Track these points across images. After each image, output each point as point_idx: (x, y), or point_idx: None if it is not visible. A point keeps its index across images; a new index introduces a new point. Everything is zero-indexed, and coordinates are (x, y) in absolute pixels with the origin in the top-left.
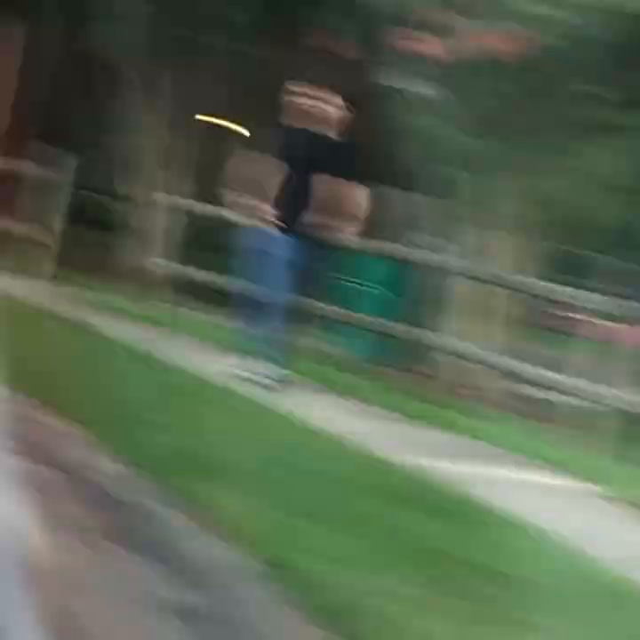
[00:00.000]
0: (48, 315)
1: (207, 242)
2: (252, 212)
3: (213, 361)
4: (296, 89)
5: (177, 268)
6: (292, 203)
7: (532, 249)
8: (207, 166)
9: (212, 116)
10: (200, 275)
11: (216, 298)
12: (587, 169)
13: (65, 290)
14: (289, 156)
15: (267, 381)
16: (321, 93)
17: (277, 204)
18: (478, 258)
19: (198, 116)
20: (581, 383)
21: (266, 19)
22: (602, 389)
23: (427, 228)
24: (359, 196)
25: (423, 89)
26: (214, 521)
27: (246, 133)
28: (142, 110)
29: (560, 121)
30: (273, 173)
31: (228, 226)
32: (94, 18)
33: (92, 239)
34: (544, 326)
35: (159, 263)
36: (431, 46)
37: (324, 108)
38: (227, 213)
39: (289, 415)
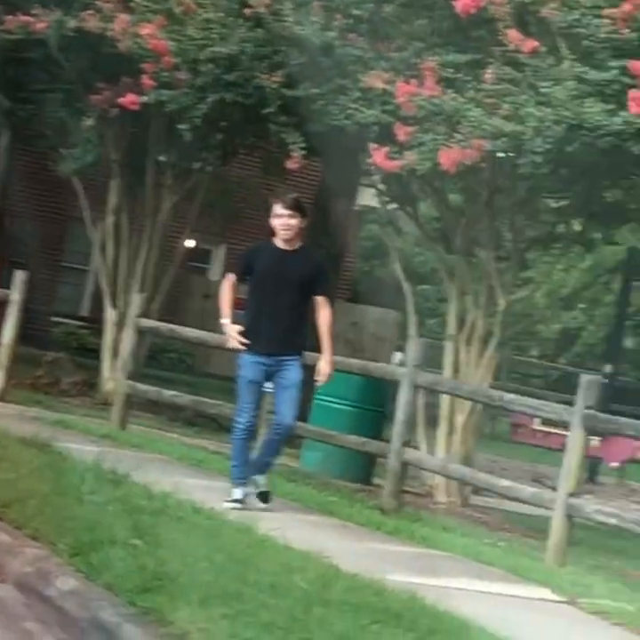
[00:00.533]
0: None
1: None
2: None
3: (180, 478)
4: (276, 208)
5: (142, 387)
6: (282, 325)
7: (489, 359)
8: (174, 285)
9: (178, 236)
10: (168, 395)
11: (186, 417)
12: (542, 280)
13: (18, 408)
14: (275, 276)
15: (245, 499)
16: (292, 211)
17: (269, 327)
18: (435, 369)
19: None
20: (529, 489)
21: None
22: (547, 495)
23: (388, 340)
24: (330, 314)
25: (380, 203)
26: (174, 636)
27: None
28: (99, 229)
29: (517, 233)
30: (260, 295)
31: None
32: (51, 138)
33: (51, 358)
34: (500, 435)
35: (124, 382)
36: (386, 160)
37: (297, 225)
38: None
39: (259, 532)
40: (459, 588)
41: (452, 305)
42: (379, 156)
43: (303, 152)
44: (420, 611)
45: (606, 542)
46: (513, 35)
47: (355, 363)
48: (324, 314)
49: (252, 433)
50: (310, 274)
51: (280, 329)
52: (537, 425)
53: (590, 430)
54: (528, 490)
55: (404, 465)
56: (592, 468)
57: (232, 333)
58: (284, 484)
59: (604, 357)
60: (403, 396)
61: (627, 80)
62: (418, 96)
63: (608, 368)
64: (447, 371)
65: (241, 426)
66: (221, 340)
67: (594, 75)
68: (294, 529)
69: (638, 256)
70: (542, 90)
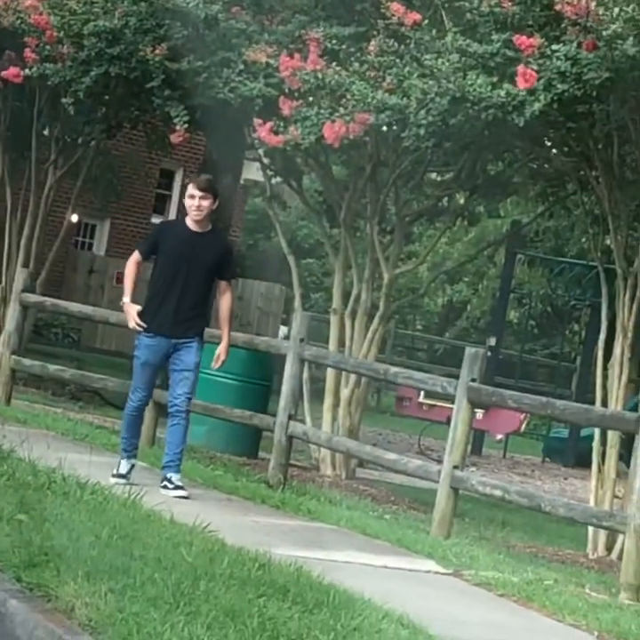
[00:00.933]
0: None
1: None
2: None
3: (65, 454)
4: (189, 189)
5: (27, 362)
6: (185, 307)
7: (373, 332)
8: (59, 260)
9: (63, 211)
10: (53, 369)
11: (71, 392)
12: (427, 253)
13: None
14: (182, 257)
15: (129, 475)
16: (204, 193)
17: (171, 309)
18: (321, 343)
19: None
20: (415, 461)
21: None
22: (433, 467)
23: (274, 314)
24: (232, 300)
25: (264, 177)
26: (60, 611)
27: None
28: None
29: (401, 206)
30: (164, 274)
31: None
32: None
33: None
34: (385, 409)
35: (8, 358)
36: (270, 134)
37: (208, 206)
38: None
39: (145, 507)
40: (345, 561)
41: (336, 279)
42: (263, 130)
43: (186, 126)
44: (305, 584)
45: (491, 514)
46: (396, 7)
47: (240, 336)
48: (226, 298)
49: (143, 410)
50: (218, 257)
51: (182, 311)
52: (422, 398)
53: (474, 403)
54: (413, 462)
55: (290, 438)
56: (476, 441)
57: (132, 313)
58: None
59: (488, 330)
60: (288, 370)
61: (510, 53)
62: (302, 70)
63: (492, 341)
64: (332, 344)
65: (134, 404)
66: (105, 315)
67: (477, 48)
68: (179, 503)
69: (521, 229)
70: (426, 62)
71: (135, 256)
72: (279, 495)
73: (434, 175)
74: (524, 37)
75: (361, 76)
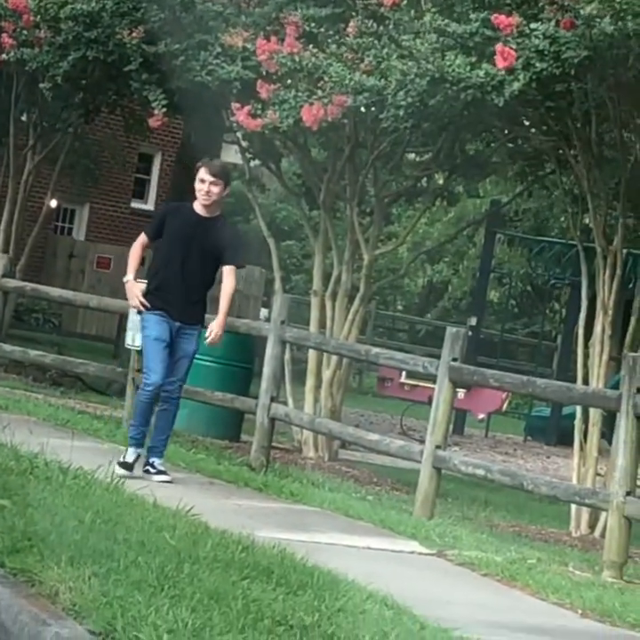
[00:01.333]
0: None
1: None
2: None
3: (47, 439)
4: (200, 173)
5: (8, 347)
6: (188, 293)
7: (354, 313)
8: (39, 245)
9: (42, 196)
10: (34, 354)
11: (52, 377)
12: (409, 235)
13: None
14: (188, 241)
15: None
16: (216, 178)
17: (174, 293)
18: (301, 325)
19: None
20: (397, 442)
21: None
22: (415, 447)
23: (254, 297)
24: (234, 284)
25: (243, 160)
26: (44, 595)
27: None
28: None
29: (381, 187)
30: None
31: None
32: None
33: None
34: (367, 390)
35: None
36: (248, 118)
37: (218, 192)
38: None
39: (127, 491)
40: (328, 542)
41: (316, 260)
42: (241, 114)
43: (164, 109)
44: (289, 566)
45: (473, 493)
46: None
47: None
48: (227, 282)
49: (157, 395)
50: (223, 243)
51: (185, 296)
52: (403, 378)
53: (456, 382)
54: (396, 443)
55: (272, 420)
56: (458, 421)
57: (135, 291)
58: None
59: (468, 310)
60: (269, 352)
61: (489, 33)
62: (278, 53)
63: (473, 321)
64: (313, 326)
65: (149, 387)
66: (86, 300)
67: (456, 28)
68: (162, 487)
69: (501, 208)
70: (404, 43)
71: (141, 238)
72: (262, 478)
73: (412, 156)
74: (502, 16)
75: (338, 58)
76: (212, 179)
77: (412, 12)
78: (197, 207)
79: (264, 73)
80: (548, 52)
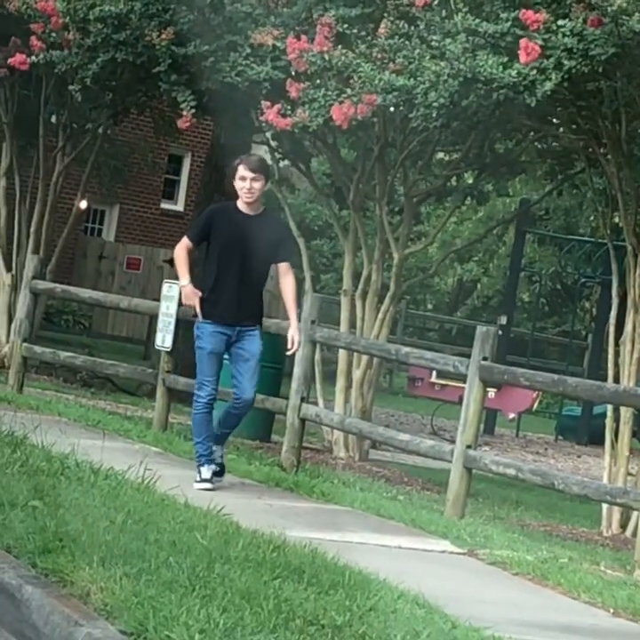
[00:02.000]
0: None
1: (71, 324)
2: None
3: (78, 440)
4: (239, 170)
5: (39, 349)
6: (244, 294)
7: (384, 313)
8: (69, 247)
9: (71, 197)
10: (64, 356)
11: (82, 379)
12: (439, 234)
13: None
14: (237, 242)
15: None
16: (256, 174)
17: (230, 296)
18: (331, 325)
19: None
20: (428, 442)
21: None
22: (446, 447)
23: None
24: (294, 281)
25: (272, 160)
26: (76, 596)
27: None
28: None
29: (410, 187)
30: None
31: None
32: None
33: None
34: (397, 390)
35: (20, 345)
36: (278, 117)
37: (260, 188)
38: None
39: (159, 491)
40: (359, 542)
41: (346, 260)
42: (271, 113)
43: (193, 110)
44: (320, 565)
45: (504, 493)
46: None
47: None
48: (287, 281)
49: (213, 406)
50: (274, 240)
51: (242, 298)
52: (434, 378)
53: (486, 382)
54: (426, 443)
55: (303, 421)
56: (489, 420)
57: (194, 298)
58: (182, 443)
59: (499, 309)
60: (299, 352)
61: (519, 32)
62: (308, 51)
63: (503, 319)
64: (343, 326)
65: (202, 400)
66: (116, 301)
67: (487, 27)
68: (193, 488)
69: (530, 207)
70: (435, 43)
71: (185, 242)
72: (293, 478)
73: (442, 155)
74: (530, 12)
75: (368, 58)
76: (252, 174)
77: (443, 12)
78: (241, 206)
79: (293, 73)
80: (577, 50)
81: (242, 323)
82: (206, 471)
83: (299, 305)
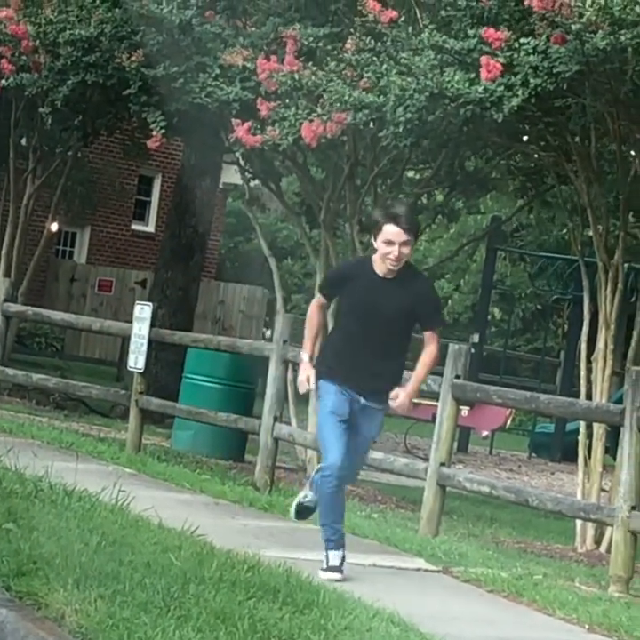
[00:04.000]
0: None
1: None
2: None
3: (51, 462)
4: (387, 229)
5: (11, 372)
6: (375, 368)
7: None
8: (40, 269)
9: (42, 220)
10: (37, 378)
11: (55, 401)
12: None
13: None
14: (372, 310)
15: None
16: (409, 237)
17: (358, 367)
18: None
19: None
20: (401, 460)
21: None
22: (419, 465)
23: (256, 317)
24: (436, 351)
25: (243, 180)
26: (51, 618)
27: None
28: None
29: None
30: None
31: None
32: None
33: None
34: None
35: None
36: (248, 134)
37: (409, 254)
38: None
39: (133, 513)
40: None
41: (318, 279)
42: (241, 130)
43: (163, 131)
44: (295, 585)
45: (479, 510)
46: (372, 4)
47: (223, 340)
48: (427, 350)
49: (344, 480)
50: (416, 305)
51: (371, 372)
52: None
53: (459, 399)
54: (400, 461)
55: (276, 440)
56: (462, 438)
57: (308, 377)
58: (155, 464)
59: (471, 327)
60: (272, 372)
61: (486, 48)
62: (278, 72)
63: (475, 337)
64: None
65: (328, 472)
66: (88, 323)
67: (454, 44)
68: (167, 508)
69: (502, 224)
70: (403, 60)
71: (318, 300)
72: (267, 497)
73: (412, 173)
74: (491, 30)
75: (338, 75)
76: (405, 238)
77: (410, 28)
78: (378, 267)
79: (263, 93)
80: (542, 68)
81: (368, 397)
82: (335, 557)
83: (270, 325)
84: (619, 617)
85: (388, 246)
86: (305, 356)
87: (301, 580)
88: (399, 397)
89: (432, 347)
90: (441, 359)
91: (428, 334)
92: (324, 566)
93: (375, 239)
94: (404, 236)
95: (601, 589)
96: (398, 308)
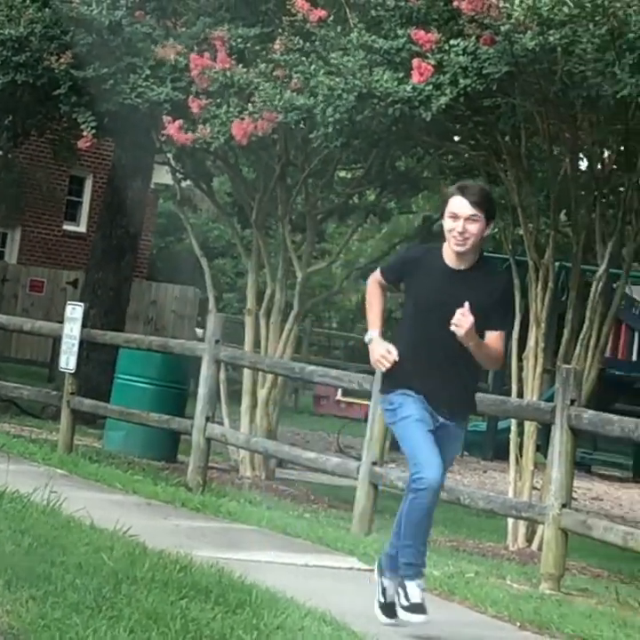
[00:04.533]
0: None
1: None
2: None
3: None
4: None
5: None
6: (448, 376)
7: (289, 331)
8: None
9: None
10: None
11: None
12: (339, 251)
13: None
14: (441, 307)
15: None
16: (477, 211)
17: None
18: (234, 345)
19: None
20: (333, 460)
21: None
22: (351, 464)
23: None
24: (502, 351)
25: (174, 181)
26: None
27: None
28: None
29: (312, 205)
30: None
31: None
32: None
33: None
34: (304, 408)
35: None
36: (179, 132)
37: (479, 233)
38: None
39: (64, 514)
40: (266, 561)
41: (249, 279)
42: (172, 128)
43: (94, 131)
44: (228, 585)
45: None
46: (300, 4)
47: (155, 340)
48: (497, 346)
49: (439, 495)
50: (491, 301)
51: (446, 382)
52: (340, 396)
53: None
54: (332, 460)
55: (208, 441)
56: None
57: (385, 356)
58: (87, 464)
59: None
60: (204, 372)
61: (415, 48)
62: (211, 68)
63: None
64: (248, 345)
65: (424, 487)
66: (19, 323)
67: (382, 43)
68: (99, 509)
69: (433, 223)
70: (332, 60)
71: (377, 276)
72: (199, 498)
73: (343, 173)
74: (421, 32)
75: (268, 77)
76: (470, 212)
77: (339, 28)
78: (448, 255)
79: (194, 92)
80: (472, 69)
81: (445, 413)
82: (415, 591)
83: (202, 325)
84: (550, 614)
85: (452, 222)
86: (374, 332)
87: (234, 580)
88: (466, 316)
89: (500, 345)
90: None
91: (496, 336)
92: (405, 603)
93: (444, 219)
94: (470, 210)
95: (532, 587)
96: (476, 305)
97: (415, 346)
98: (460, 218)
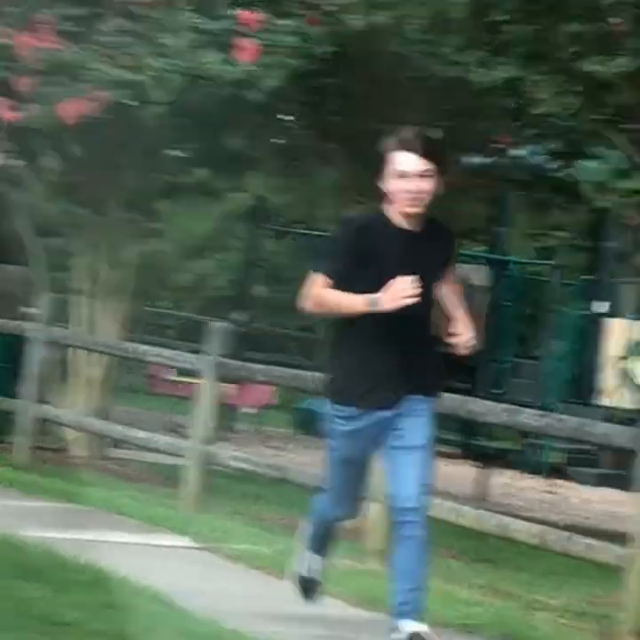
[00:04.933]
0: None
1: None
2: None
3: None
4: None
5: None
6: (411, 353)
7: (120, 311)
8: None
9: None
10: None
11: None
12: (172, 231)
13: None
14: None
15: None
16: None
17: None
18: (65, 325)
19: None
20: (165, 439)
21: None
22: (182, 443)
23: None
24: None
25: (3, 159)
26: None
27: None
28: None
29: (143, 184)
30: None
31: None
32: None
33: None
34: (132, 387)
35: None
36: (7, 110)
37: (431, 190)
38: None
39: None
40: (98, 540)
41: (80, 259)
42: (1, 107)
43: None
44: (59, 565)
45: (244, 488)
46: None
47: None
48: (449, 288)
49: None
50: (445, 259)
51: (408, 360)
52: (173, 375)
53: (223, 378)
54: (163, 440)
55: (39, 420)
56: (228, 416)
57: (399, 289)
58: None
59: (235, 305)
60: (34, 353)
61: (242, 29)
62: (39, 48)
63: (239, 315)
64: (79, 325)
65: (328, 518)
66: None
67: (210, 24)
68: None
69: (265, 202)
70: (161, 42)
71: (321, 281)
72: (29, 477)
73: (174, 152)
74: (247, 12)
75: (96, 57)
76: (422, 167)
77: (169, 11)
78: (397, 217)
79: (23, 71)
80: (299, 48)
81: (410, 389)
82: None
83: (30, 304)
84: (376, 590)
85: (402, 182)
86: (367, 295)
87: (65, 559)
88: (464, 335)
89: (451, 282)
90: (202, 337)
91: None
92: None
93: (389, 179)
94: (422, 165)
95: (361, 563)
96: (433, 268)
97: (369, 337)
98: (410, 176)
